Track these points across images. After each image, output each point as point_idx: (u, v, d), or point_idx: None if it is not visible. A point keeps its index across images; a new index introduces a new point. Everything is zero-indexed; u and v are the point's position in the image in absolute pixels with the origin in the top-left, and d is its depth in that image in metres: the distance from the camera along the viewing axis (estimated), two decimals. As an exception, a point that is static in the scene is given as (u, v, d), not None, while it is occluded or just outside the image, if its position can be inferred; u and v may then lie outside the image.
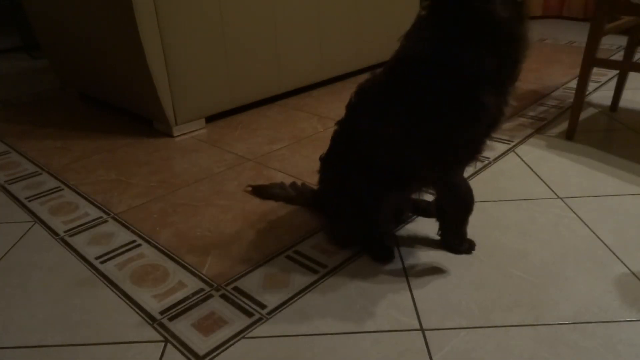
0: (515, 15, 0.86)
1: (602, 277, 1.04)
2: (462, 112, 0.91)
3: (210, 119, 2.03)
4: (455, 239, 1.13)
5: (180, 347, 0.90)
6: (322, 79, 2.39)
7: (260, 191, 1.42)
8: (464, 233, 1.13)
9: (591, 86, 2.26)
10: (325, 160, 1.18)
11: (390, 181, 1.05)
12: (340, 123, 1.13)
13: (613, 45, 3.03)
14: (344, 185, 1.10)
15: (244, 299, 1.02)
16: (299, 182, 1.41)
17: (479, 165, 1.54)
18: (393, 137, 0.99)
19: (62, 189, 1.52)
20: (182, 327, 0.95)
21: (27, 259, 1.18)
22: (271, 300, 1.01)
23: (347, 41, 2.40)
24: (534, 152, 1.64)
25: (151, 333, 0.94)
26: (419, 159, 1.00)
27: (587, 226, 1.22)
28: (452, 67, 0.88)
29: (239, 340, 0.92)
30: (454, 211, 1.09)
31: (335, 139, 1.15)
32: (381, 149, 1.02)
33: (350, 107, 1.10)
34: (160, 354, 0.89)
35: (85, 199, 1.45)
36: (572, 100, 1.93)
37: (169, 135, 1.90)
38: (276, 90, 2.18)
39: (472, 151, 1.00)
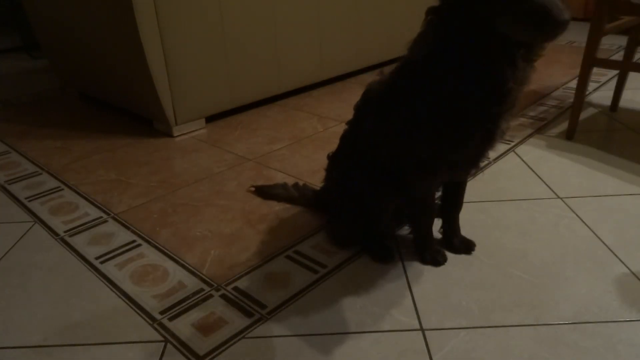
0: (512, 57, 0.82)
1: (602, 277, 1.04)
2: (447, 124, 0.91)
3: (210, 119, 2.03)
4: (417, 246, 1.13)
5: (180, 347, 0.90)
6: (322, 79, 2.39)
7: (263, 191, 1.42)
8: (425, 242, 1.12)
9: (591, 86, 2.26)
10: (332, 158, 1.18)
11: (393, 182, 1.05)
12: (349, 123, 1.14)
13: (613, 45, 3.03)
14: (348, 184, 1.10)
15: (244, 299, 1.02)
16: (299, 183, 1.41)
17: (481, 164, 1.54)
18: (394, 140, 0.99)
19: (62, 189, 1.52)
20: (182, 327, 0.95)
21: (27, 259, 1.18)
22: (271, 300, 1.01)
23: (347, 41, 2.40)
24: (534, 152, 1.64)
25: (151, 333, 0.94)
26: (415, 162, 1.00)
27: (587, 226, 1.22)
28: (445, 77, 0.87)
29: (239, 340, 0.92)
30: (419, 215, 1.10)
31: (343, 138, 1.15)
32: (383, 150, 1.03)
33: (356, 107, 1.10)
34: (160, 354, 0.89)
35: (85, 199, 1.45)
36: (572, 100, 1.93)
37: (169, 135, 1.90)
38: (276, 90, 2.18)
39: (465, 163, 1.00)
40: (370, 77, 1.06)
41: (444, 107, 0.89)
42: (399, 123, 0.96)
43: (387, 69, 1.01)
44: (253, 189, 1.45)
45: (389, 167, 1.04)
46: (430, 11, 0.88)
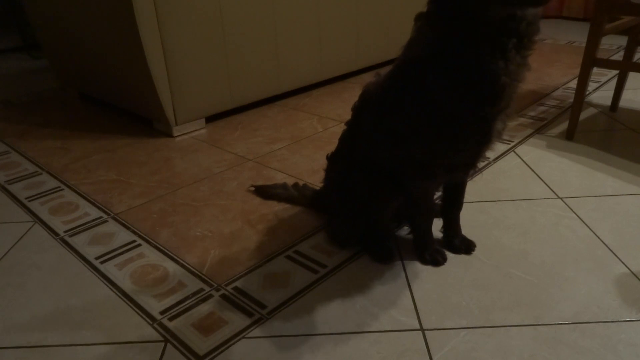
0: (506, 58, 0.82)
1: (602, 277, 1.04)
2: (441, 127, 0.90)
3: (210, 119, 2.03)
4: (417, 246, 1.13)
5: (180, 347, 0.90)
6: (322, 79, 2.39)
7: (263, 191, 1.42)
8: (425, 242, 1.12)
9: (591, 86, 2.26)
10: (331, 159, 1.18)
11: (392, 183, 1.05)
12: (347, 124, 1.14)
13: (613, 45, 3.03)
14: (347, 185, 1.10)
15: (244, 299, 1.02)
16: (299, 183, 1.41)
17: (480, 165, 1.54)
18: (391, 142, 0.99)
19: (62, 189, 1.52)
20: (182, 327, 0.95)
21: (27, 259, 1.18)
22: (271, 300, 1.01)
23: (347, 41, 2.40)
24: (534, 152, 1.64)
25: (151, 333, 0.94)
26: (413, 164, 1.00)
27: (587, 226, 1.22)
28: (437, 78, 0.87)
29: (239, 340, 0.92)
30: (418, 215, 1.10)
31: (342, 139, 1.15)
32: (381, 152, 1.03)
33: (354, 109, 1.10)
34: (160, 354, 0.89)
35: (85, 199, 1.45)
36: (572, 100, 1.93)
37: (169, 135, 1.90)
38: (276, 90, 2.18)
39: (462, 165, 1.00)
40: (370, 78, 1.06)
41: (438, 110, 0.89)
42: (395, 125, 0.96)
43: (384, 71, 1.01)
44: (253, 188, 1.45)
45: (388, 168, 1.04)
46: (420, 17, 0.88)
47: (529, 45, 0.84)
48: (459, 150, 0.94)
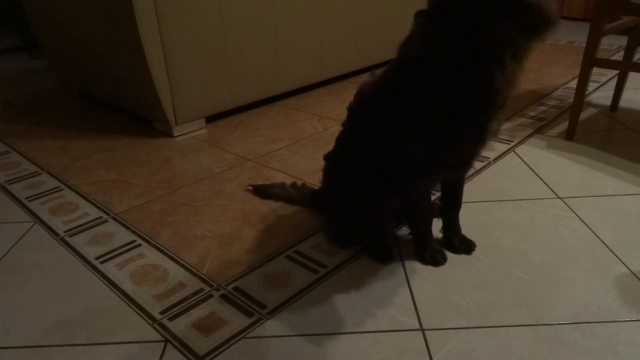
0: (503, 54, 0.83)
1: (602, 277, 1.04)
2: (438, 125, 0.91)
3: (210, 119, 2.03)
4: (417, 246, 1.13)
5: (180, 347, 0.90)
6: (322, 79, 2.39)
7: (261, 191, 1.42)
8: (425, 242, 1.12)
9: (591, 86, 2.26)
10: (329, 159, 1.18)
11: (390, 182, 1.05)
12: (343, 124, 1.14)
13: (613, 45, 3.03)
14: (345, 185, 1.10)
15: (244, 299, 1.02)
16: (299, 182, 1.41)
17: (479, 165, 1.54)
18: (387, 141, 0.99)
19: (62, 189, 1.52)
20: (182, 327, 0.95)
21: (27, 259, 1.18)
22: (271, 300, 1.01)
23: (347, 41, 2.40)
24: (534, 152, 1.64)
25: (151, 333, 0.94)
26: (409, 163, 1.00)
27: (587, 226, 1.22)
28: (434, 78, 0.87)
29: (239, 340, 0.92)
30: (417, 214, 1.10)
31: (339, 139, 1.15)
32: (378, 152, 1.03)
33: (350, 109, 1.10)
34: (160, 354, 0.89)
35: (85, 199, 1.45)
36: (572, 100, 1.93)
37: (169, 135, 1.90)
38: (276, 90, 2.18)
39: (458, 164, 1.00)
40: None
41: (434, 109, 0.89)
42: (391, 125, 0.96)
43: (379, 71, 1.01)
44: (251, 187, 1.45)
45: (385, 168, 1.04)
46: (419, 14, 0.88)
47: (525, 52, 0.85)
48: (456, 148, 0.94)
